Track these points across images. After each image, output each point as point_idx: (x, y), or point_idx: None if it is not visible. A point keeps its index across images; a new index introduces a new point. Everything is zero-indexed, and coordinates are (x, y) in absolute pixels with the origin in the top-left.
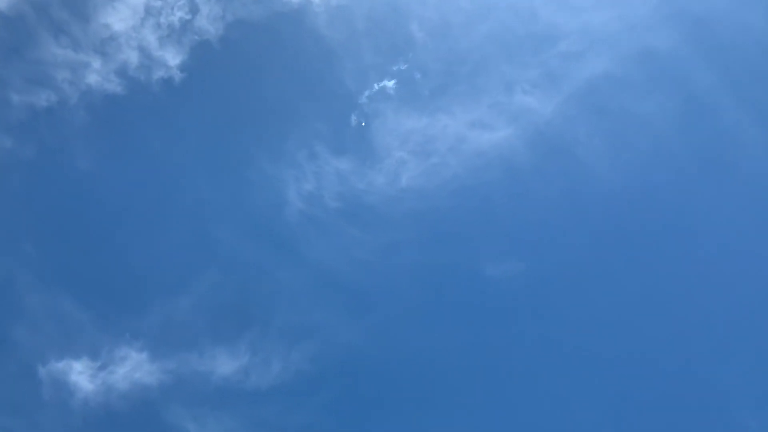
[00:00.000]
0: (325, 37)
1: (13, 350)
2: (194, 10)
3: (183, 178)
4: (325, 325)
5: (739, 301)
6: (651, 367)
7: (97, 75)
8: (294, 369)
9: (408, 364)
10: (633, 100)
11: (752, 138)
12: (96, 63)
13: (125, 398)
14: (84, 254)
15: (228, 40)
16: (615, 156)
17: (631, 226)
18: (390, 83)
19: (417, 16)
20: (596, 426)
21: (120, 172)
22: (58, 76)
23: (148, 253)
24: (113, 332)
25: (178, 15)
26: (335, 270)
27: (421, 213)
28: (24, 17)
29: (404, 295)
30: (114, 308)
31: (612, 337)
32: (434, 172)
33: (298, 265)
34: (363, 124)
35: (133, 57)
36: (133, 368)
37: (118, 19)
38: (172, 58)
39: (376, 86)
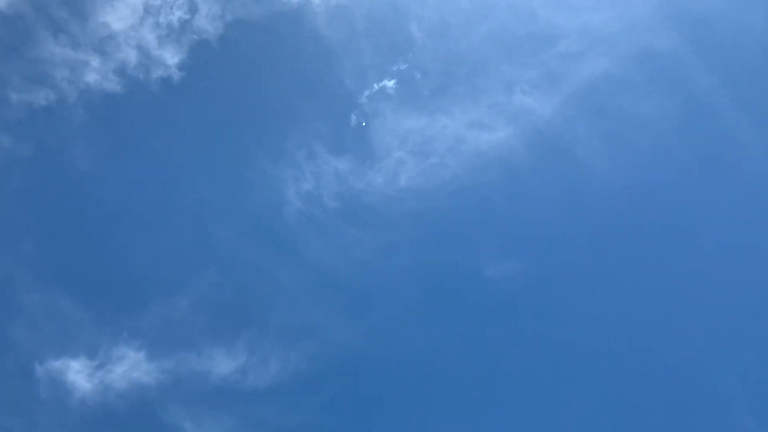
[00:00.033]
0: (324, 37)
1: (10, 349)
2: (193, 9)
3: (182, 178)
4: (323, 325)
5: (738, 301)
6: (650, 367)
7: (95, 74)
8: (292, 369)
9: (406, 364)
10: (632, 100)
11: (752, 138)
12: (95, 62)
13: (123, 397)
14: (82, 253)
15: (227, 40)
16: (614, 156)
17: (630, 226)
18: (390, 83)
19: (416, 16)
20: (595, 426)
21: (118, 171)
22: (56, 75)
23: (146, 252)
24: (111, 331)
25: (177, 14)
26: (334, 270)
27: (419, 213)
28: (23, 16)
29: (403, 295)
30: (112, 307)
31: (611, 337)
32: (433, 173)
33: (297, 265)
34: (363, 124)
35: (132, 56)
36: (131, 367)
37: (117, 18)
38: (171, 58)
39: (375, 86)
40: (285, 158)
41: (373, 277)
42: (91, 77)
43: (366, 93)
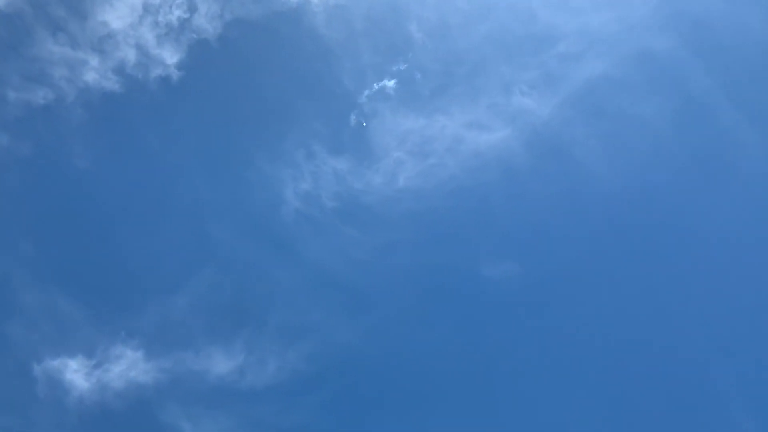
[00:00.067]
0: (323, 37)
1: (8, 348)
2: (192, 8)
3: (180, 177)
4: (321, 325)
5: (737, 301)
6: (649, 367)
7: (94, 73)
8: (290, 368)
9: (404, 363)
10: (631, 101)
11: (750, 139)
12: (93, 61)
13: (120, 397)
14: (80, 252)
15: (226, 39)
16: (613, 157)
17: (628, 226)
18: (390, 83)
19: (416, 16)
20: (593, 426)
21: (117, 171)
22: (55, 74)
23: (145, 251)
24: (109, 330)
25: (177, 13)
26: (332, 270)
27: (418, 213)
28: (22, 14)
29: (401, 296)
30: (110, 306)
31: (610, 337)
32: (432, 173)
33: (295, 265)
34: (364, 124)
35: (130, 55)
36: (129, 367)
37: (116, 17)
38: (170, 57)
39: (375, 86)
40: (283, 158)
41: (371, 277)
42: (89, 76)
43: (366, 93)
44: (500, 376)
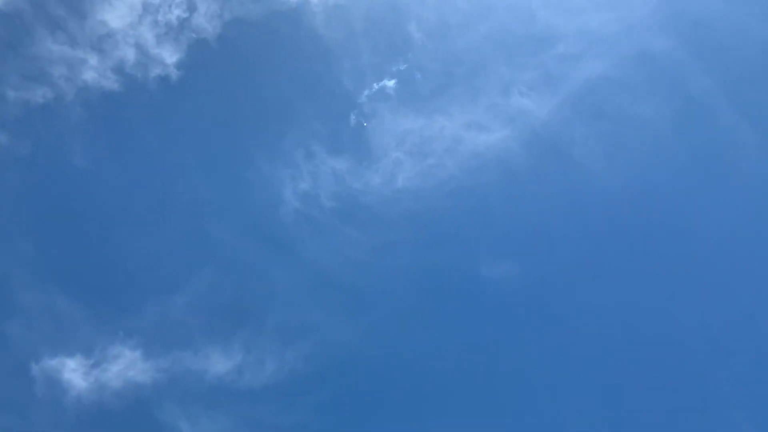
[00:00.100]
0: (322, 37)
1: (7, 347)
2: (192, 8)
3: (179, 176)
4: (320, 325)
5: (736, 301)
6: (647, 368)
7: (93, 72)
8: (288, 368)
9: (403, 363)
10: (630, 101)
11: (749, 139)
12: (93, 60)
13: (118, 396)
14: (79, 252)
15: (225, 39)
16: (612, 157)
17: (627, 227)
18: (390, 83)
19: (416, 16)
20: (592, 426)
21: (116, 170)
22: (54, 73)
23: (143, 251)
24: (107, 330)
25: (176, 13)
26: (331, 270)
27: (417, 213)
28: (21, 13)
29: (400, 296)
30: (108, 306)
31: (608, 337)
32: (431, 173)
33: (294, 265)
34: (365, 124)
35: (130, 54)
36: (127, 366)
37: (115, 16)
38: (169, 56)
39: (375, 86)
40: (283, 158)
41: (370, 277)
42: (89, 75)
43: (365, 93)
44: (499, 376)
